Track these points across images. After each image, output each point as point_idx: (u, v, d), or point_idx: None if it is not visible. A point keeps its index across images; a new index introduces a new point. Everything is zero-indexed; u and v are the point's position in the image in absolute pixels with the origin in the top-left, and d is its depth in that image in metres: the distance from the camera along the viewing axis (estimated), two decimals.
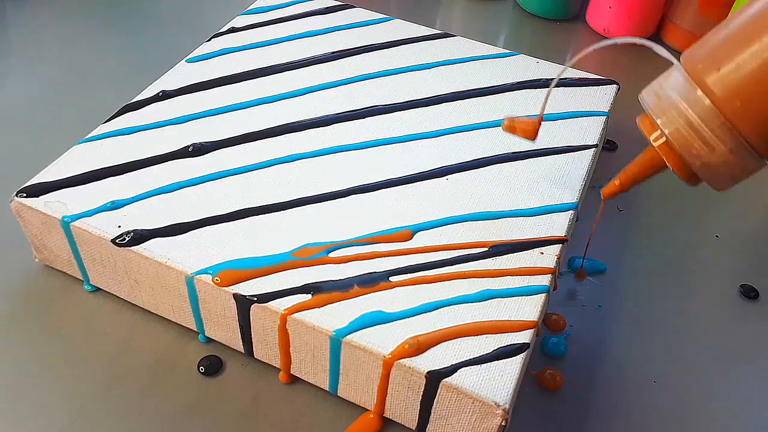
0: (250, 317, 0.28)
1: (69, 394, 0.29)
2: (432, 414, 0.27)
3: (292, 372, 0.30)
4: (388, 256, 0.29)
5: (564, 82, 0.40)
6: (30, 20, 0.50)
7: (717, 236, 0.39)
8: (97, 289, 0.33)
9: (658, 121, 0.26)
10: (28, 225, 0.31)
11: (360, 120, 0.36)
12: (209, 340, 0.31)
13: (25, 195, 0.30)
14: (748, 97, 0.24)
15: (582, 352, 0.32)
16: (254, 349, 0.30)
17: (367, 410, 0.29)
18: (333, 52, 0.40)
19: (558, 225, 0.31)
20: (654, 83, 0.27)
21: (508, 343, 0.26)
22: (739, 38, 0.24)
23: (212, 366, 0.30)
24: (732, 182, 0.27)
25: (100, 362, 0.30)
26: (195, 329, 0.31)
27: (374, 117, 0.36)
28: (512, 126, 0.31)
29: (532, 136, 0.31)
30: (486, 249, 0.30)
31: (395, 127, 0.36)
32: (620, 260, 0.37)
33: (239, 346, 0.30)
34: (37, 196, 0.30)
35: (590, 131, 0.37)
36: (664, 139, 0.27)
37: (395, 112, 0.36)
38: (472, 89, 0.38)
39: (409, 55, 0.41)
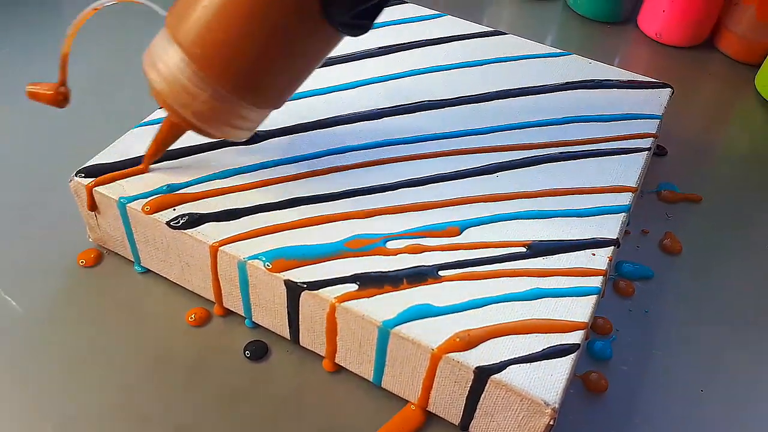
0: (300, 304, 0.28)
1: (117, 374, 0.30)
2: (477, 410, 0.27)
3: (336, 361, 0.30)
4: (438, 250, 0.29)
5: (616, 84, 0.39)
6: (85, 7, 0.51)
7: None
8: (147, 271, 0.33)
9: (149, 78, 0.27)
10: (85, 205, 0.32)
11: (411, 114, 0.36)
12: (256, 326, 0.32)
13: (83, 175, 0.31)
14: (204, 44, 0.25)
15: (627, 357, 0.32)
16: (300, 336, 0.30)
17: (410, 403, 0.29)
18: (384, 47, 0.40)
19: (609, 227, 0.31)
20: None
21: (558, 343, 0.26)
22: None
23: (258, 351, 0.31)
24: (233, 129, 0.27)
25: (148, 343, 0.31)
26: (242, 314, 0.31)
27: (425, 112, 0.36)
28: (34, 93, 0.30)
29: (58, 102, 0.30)
30: (536, 248, 0.30)
31: (446, 123, 0.35)
32: (668, 266, 0.36)
33: (285, 333, 0.31)
34: (96, 177, 0.31)
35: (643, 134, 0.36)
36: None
37: (446, 108, 0.36)
38: (524, 87, 0.38)
39: (461, 51, 0.40)
